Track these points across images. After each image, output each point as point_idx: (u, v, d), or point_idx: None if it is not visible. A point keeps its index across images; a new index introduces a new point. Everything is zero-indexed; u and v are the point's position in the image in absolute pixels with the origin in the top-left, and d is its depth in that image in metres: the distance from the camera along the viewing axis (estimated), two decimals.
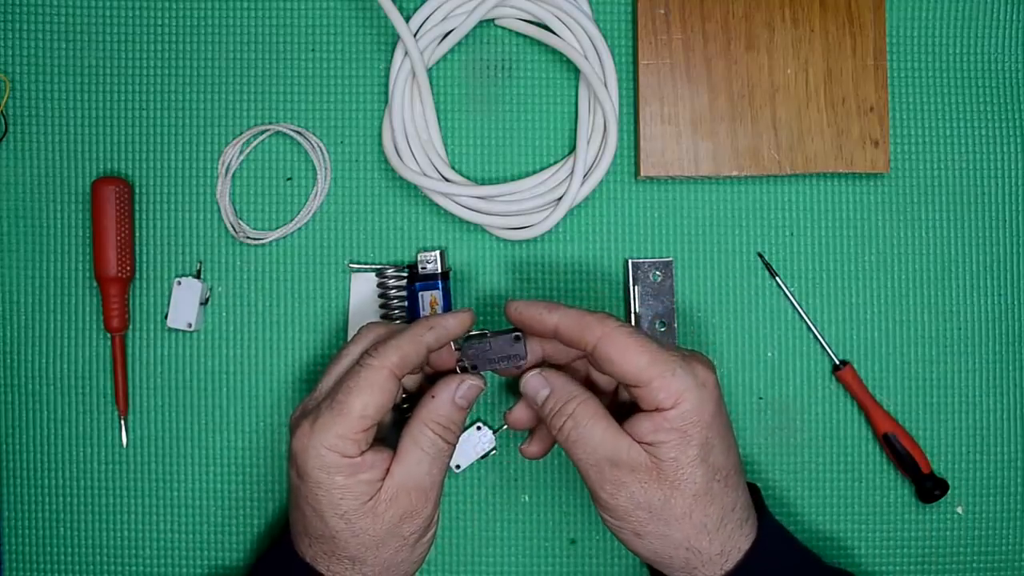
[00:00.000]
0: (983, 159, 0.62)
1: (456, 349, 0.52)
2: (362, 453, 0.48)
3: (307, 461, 0.48)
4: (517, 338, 0.52)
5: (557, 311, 0.50)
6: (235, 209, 0.61)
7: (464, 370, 0.52)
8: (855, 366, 0.61)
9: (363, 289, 0.60)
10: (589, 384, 0.54)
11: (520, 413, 0.54)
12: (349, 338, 0.60)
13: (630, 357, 0.48)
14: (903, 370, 0.61)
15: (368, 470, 0.48)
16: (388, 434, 0.54)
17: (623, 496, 0.48)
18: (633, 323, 0.60)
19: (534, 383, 0.52)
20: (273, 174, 0.61)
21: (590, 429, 0.49)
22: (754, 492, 0.54)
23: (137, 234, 0.61)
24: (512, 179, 0.61)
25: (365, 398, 0.48)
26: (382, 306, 0.59)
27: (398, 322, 0.54)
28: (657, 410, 0.48)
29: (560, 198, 0.59)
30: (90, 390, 0.60)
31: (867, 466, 0.61)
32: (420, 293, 0.59)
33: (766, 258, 0.61)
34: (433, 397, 0.51)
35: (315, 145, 0.61)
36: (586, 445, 0.49)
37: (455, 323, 0.52)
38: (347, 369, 0.50)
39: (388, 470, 0.49)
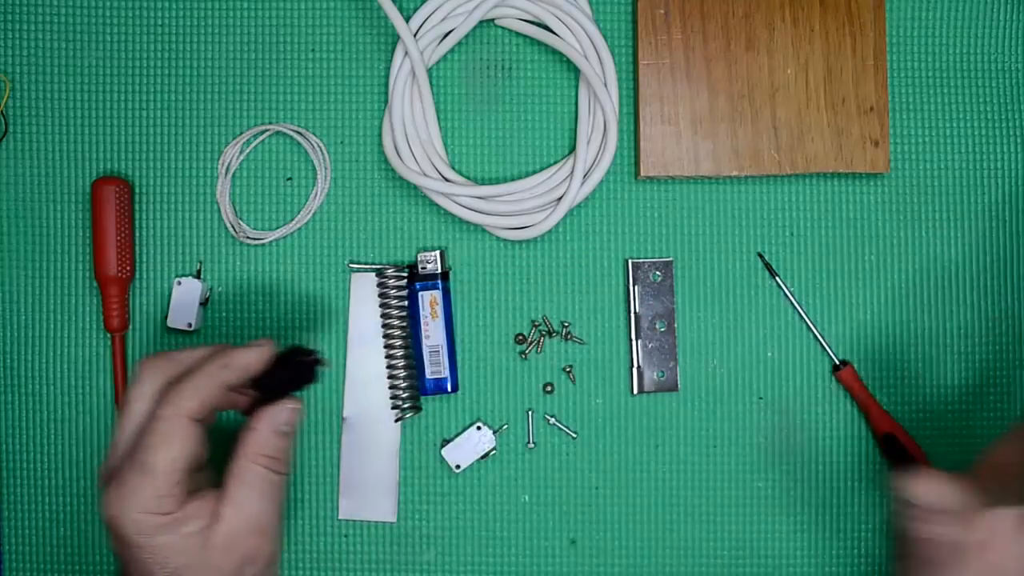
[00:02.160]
0: (983, 159, 0.62)
1: (254, 383, 0.49)
2: (182, 506, 0.45)
3: (123, 528, 0.44)
4: (315, 360, 0.50)
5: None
6: (235, 209, 0.61)
7: (264, 399, 0.49)
8: (855, 366, 0.61)
9: (363, 289, 0.60)
10: None
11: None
12: (354, 345, 0.59)
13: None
14: (903, 370, 0.61)
15: (192, 521, 0.45)
16: (208, 471, 0.50)
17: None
18: (633, 323, 0.60)
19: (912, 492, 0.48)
20: (273, 174, 0.61)
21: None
22: None
23: (137, 234, 0.61)
24: (512, 179, 0.61)
25: (168, 452, 0.45)
26: (382, 306, 0.59)
27: (184, 349, 0.49)
28: None
29: (560, 198, 0.59)
30: (90, 390, 0.60)
31: (867, 466, 0.61)
32: (420, 293, 0.59)
33: (766, 258, 0.61)
34: (253, 430, 0.48)
35: (315, 145, 0.61)
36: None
37: (253, 357, 0.48)
38: (141, 419, 0.47)
39: (217, 513, 0.46)
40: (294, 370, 0.50)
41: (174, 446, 0.45)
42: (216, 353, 0.48)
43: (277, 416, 0.48)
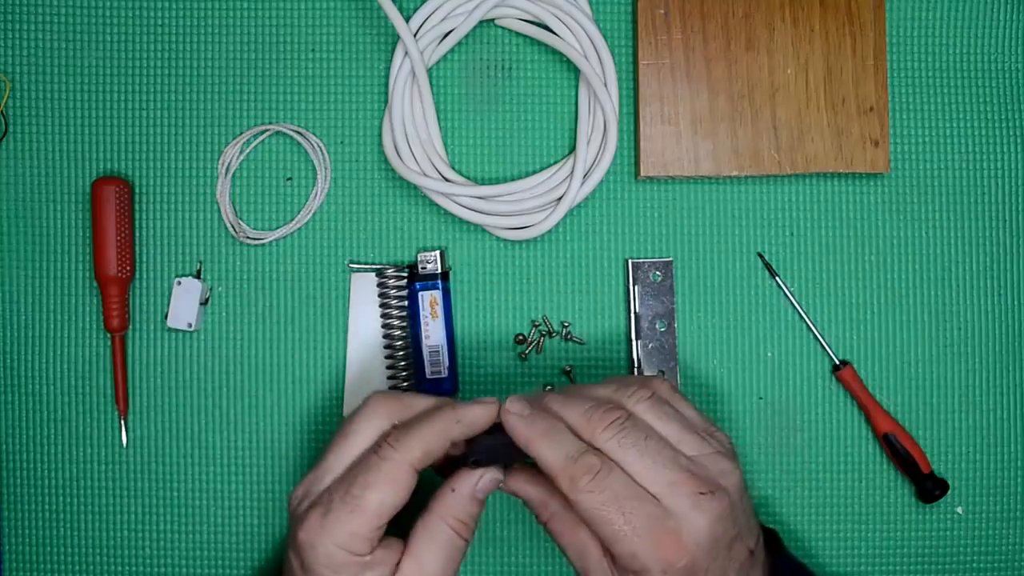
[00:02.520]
0: (983, 159, 0.62)
1: (467, 443, 0.49)
2: (372, 551, 0.46)
3: (315, 558, 0.45)
4: None
5: (537, 447, 0.46)
6: (235, 209, 0.61)
7: (475, 464, 0.48)
8: (855, 366, 0.61)
9: (363, 289, 0.60)
10: None
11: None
12: (354, 344, 0.60)
13: (593, 525, 0.45)
14: (903, 370, 0.61)
15: (376, 567, 0.46)
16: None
17: None
18: (633, 323, 0.60)
19: (509, 489, 0.50)
20: (273, 174, 0.61)
21: (561, 539, 0.48)
22: (772, 537, 0.53)
23: (137, 234, 0.61)
24: (512, 179, 0.61)
25: (383, 495, 0.45)
26: (382, 306, 0.59)
27: (410, 393, 0.51)
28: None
29: (560, 198, 0.59)
30: (90, 390, 0.60)
31: (867, 466, 0.61)
32: (420, 293, 0.59)
33: (766, 258, 0.61)
34: (453, 491, 0.48)
35: (315, 145, 0.61)
36: (562, 549, 0.49)
37: (483, 415, 0.48)
38: (361, 453, 0.47)
39: (398, 565, 0.46)
40: (504, 438, 0.48)
41: (391, 490, 0.45)
42: (446, 405, 0.48)
43: (480, 483, 0.48)
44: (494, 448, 0.48)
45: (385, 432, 0.48)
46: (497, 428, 0.48)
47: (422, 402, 0.49)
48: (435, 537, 0.47)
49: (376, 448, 0.46)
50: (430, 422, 0.47)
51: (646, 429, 0.46)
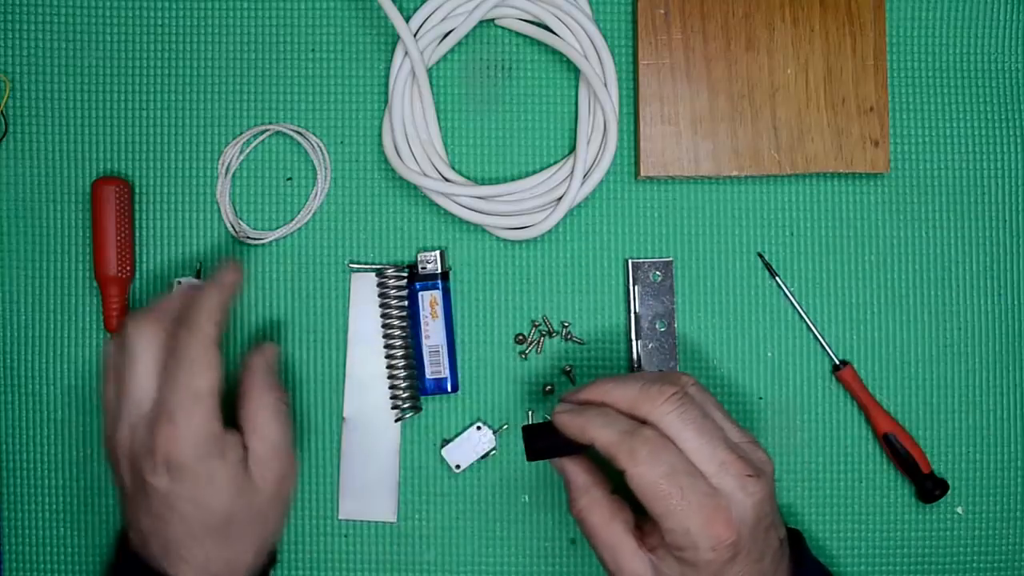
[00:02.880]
0: (983, 159, 0.62)
1: (525, 442, 0.51)
2: (224, 432, 0.49)
3: (183, 451, 0.47)
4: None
5: (592, 430, 0.47)
6: (235, 209, 0.61)
7: (534, 455, 0.51)
8: (855, 366, 0.61)
9: (363, 289, 0.60)
10: None
11: None
12: (354, 344, 0.60)
13: (647, 500, 0.46)
14: (903, 370, 0.61)
15: (232, 448, 0.49)
16: None
17: None
18: (633, 323, 0.60)
19: (557, 467, 0.52)
20: (273, 174, 0.61)
21: (594, 531, 0.49)
22: (796, 537, 0.54)
23: (137, 234, 0.61)
24: (512, 179, 0.61)
25: (209, 375, 0.48)
26: (382, 306, 0.59)
27: (158, 298, 0.55)
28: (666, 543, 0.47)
29: (560, 198, 0.59)
30: (90, 390, 0.60)
31: (867, 466, 0.61)
32: (420, 293, 0.59)
33: (766, 258, 0.61)
34: (251, 368, 0.53)
35: (315, 145, 0.61)
36: (592, 542, 0.49)
37: (232, 274, 0.53)
38: (160, 365, 0.50)
39: (243, 443, 0.50)
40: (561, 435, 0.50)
41: (212, 369, 0.49)
42: (195, 288, 0.53)
43: (268, 356, 0.53)
44: (551, 443, 0.50)
45: (169, 336, 0.50)
46: (551, 429, 0.50)
47: (169, 299, 0.53)
48: (264, 407, 0.51)
49: (175, 348, 0.49)
50: (203, 301, 0.50)
51: (702, 407, 0.48)
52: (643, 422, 0.47)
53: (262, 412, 0.51)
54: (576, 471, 0.51)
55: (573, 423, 0.48)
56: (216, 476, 0.48)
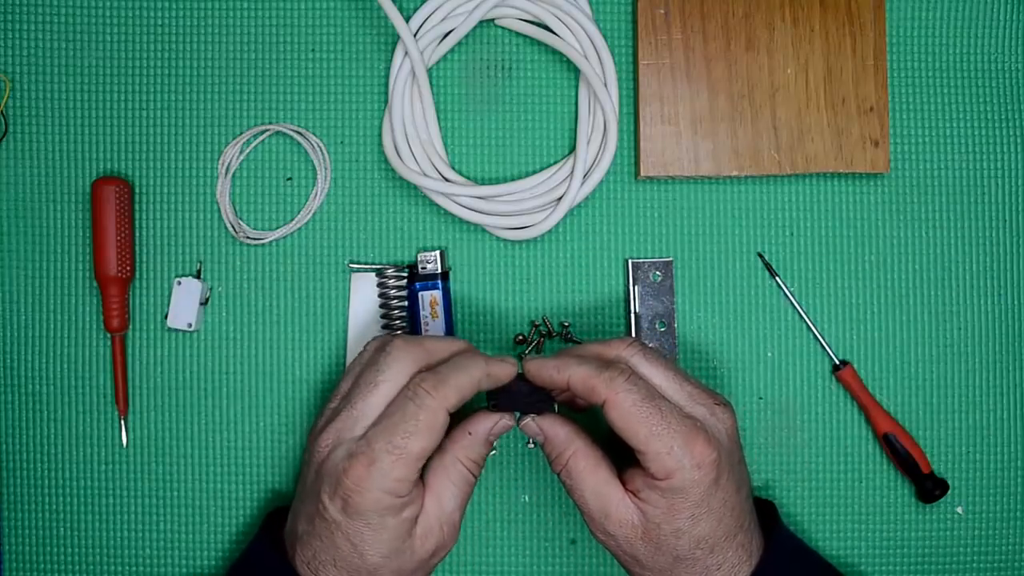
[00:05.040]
0: (983, 159, 0.62)
1: (488, 393, 0.52)
2: (410, 492, 0.48)
3: (363, 502, 0.47)
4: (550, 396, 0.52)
5: (567, 370, 0.49)
6: (235, 209, 0.61)
7: (495, 408, 0.52)
8: (855, 366, 0.61)
9: (363, 289, 0.60)
10: None
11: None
12: (354, 344, 0.60)
13: (630, 426, 0.48)
14: (903, 370, 0.61)
15: (411, 506, 0.49)
16: None
17: (612, 543, 0.50)
18: (633, 323, 0.60)
19: (530, 429, 0.52)
20: (273, 174, 0.61)
21: (582, 480, 0.50)
22: (769, 509, 0.55)
23: (137, 234, 0.61)
24: (512, 179, 0.61)
25: (425, 441, 0.48)
26: (382, 306, 0.59)
27: (427, 336, 0.54)
28: (651, 476, 0.48)
29: (560, 198, 0.59)
30: (90, 390, 0.60)
31: (867, 466, 0.61)
32: (420, 293, 0.59)
33: (766, 258, 0.61)
34: (470, 433, 0.51)
35: (315, 145, 0.61)
36: (579, 494, 0.50)
37: (507, 372, 0.51)
38: (392, 399, 0.49)
39: (422, 504, 0.50)
40: (536, 395, 0.52)
41: (431, 436, 0.48)
42: (469, 352, 0.52)
43: (495, 427, 0.52)
44: (514, 398, 0.52)
45: (414, 377, 0.50)
46: (513, 382, 0.52)
47: (442, 346, 0.52)
48: (451, 476, 0.50)
49: (411, 396, 0.48)
50: (463, 371, 0.50)
51: (660, 354, 0.52)
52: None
53: (448, 479, 0.50)
54: (555, 426, 0.52)
55: (544, 367, 0.50)
56: (384, 528, 0.48)
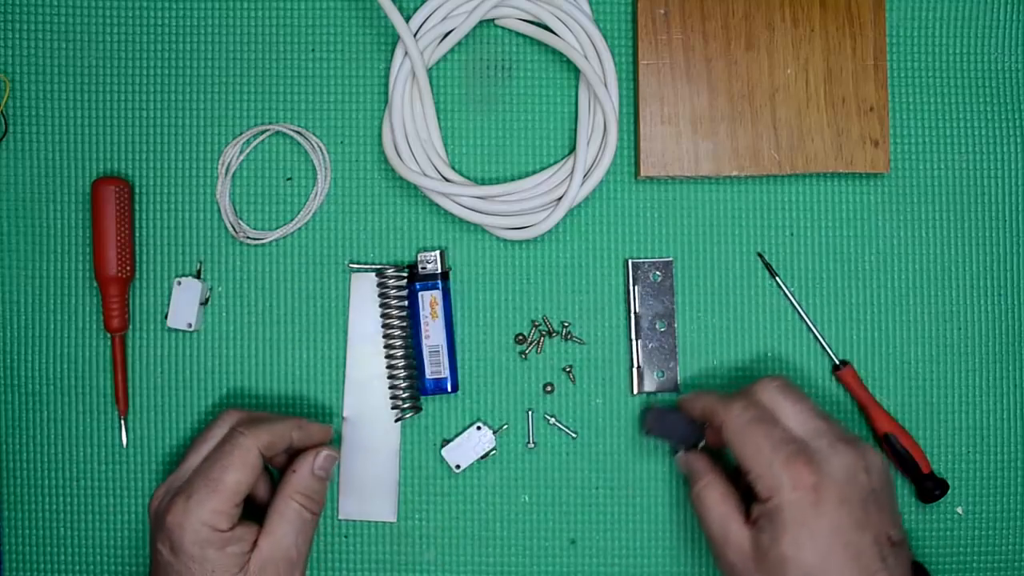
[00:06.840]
0: (983, 159, 0.62)
1: (643, 411, 0.59)
2: (232, 528, 0.51)
3: (183, 536, 0.50)
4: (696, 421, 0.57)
5: (701, 399, 0.55)
6: (235, 209, 0.61)
7: (648, 433, 0.58)
8: (855, 366, 0.61)
9: (363, 289, 0.60)
10: None
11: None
12: (355, 344, 0.60)
13: (738, 445, 0.51)
14: (903, 370, 0.61)
15: (236, 543, 0.51)
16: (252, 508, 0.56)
17: (734, 570, 0.52)
18: (633, 323, 0.60)
19: (679, 462, 0.57)
20: (273, 174, 0.61)
21: (709, 508, 0.53)
22: (920, 572, 0.55)
23: (137, 234, 0.61)
24: (512, 179, 0.61)
25: (238, 475, 0.51)
26: (382, 306, 0.59)
27: (264, 413, 0.57)
28: (758, 498, 0.51)
29: (560, 198, 0.59)
30: (90, 390, 0.60)
31: None
32: (420, 293, 0.59)
33: (766, 258, 0.61)
34: (294, 472, 0.54)
35: (315, 145, 0.61)
36: (705, 521, 0.53)
37: (319, 434, 0.57)
38: (214, 446, 0.53)
39: (255, 543, 0.52)
40: (686, 427, 0.58)
41: (243, 470, 0.52)
42: (291, 418, 0.56)
43: (317, 460, 0.55)
44: (664, 425, 0.58)
45: (235, 424, 0.54)
46: (665, 413, 0.58)
47: (268, 414, 0.56)
48: (284, 513, 0.53)
49: (227, 438, 0.53)
50: (277, 419, 0.55)
51: (798, 391, 0.54)
52: None
53: (281, 518, 0.53)
54: (698, 460, 0.56)
55: (686, 397, 0.57)
56: (207, 561, 0.50)
